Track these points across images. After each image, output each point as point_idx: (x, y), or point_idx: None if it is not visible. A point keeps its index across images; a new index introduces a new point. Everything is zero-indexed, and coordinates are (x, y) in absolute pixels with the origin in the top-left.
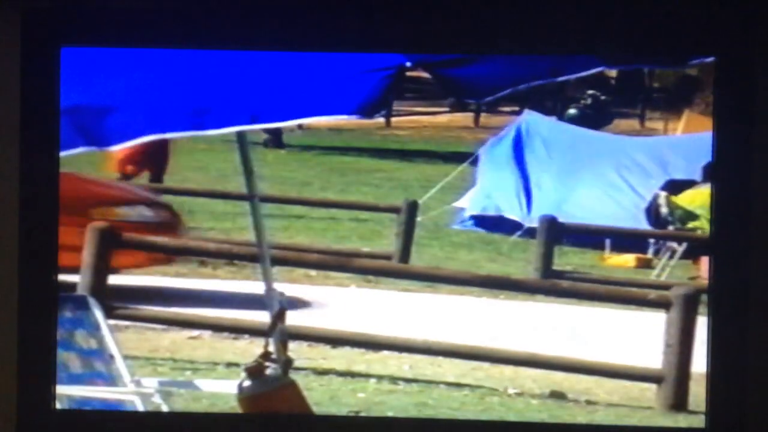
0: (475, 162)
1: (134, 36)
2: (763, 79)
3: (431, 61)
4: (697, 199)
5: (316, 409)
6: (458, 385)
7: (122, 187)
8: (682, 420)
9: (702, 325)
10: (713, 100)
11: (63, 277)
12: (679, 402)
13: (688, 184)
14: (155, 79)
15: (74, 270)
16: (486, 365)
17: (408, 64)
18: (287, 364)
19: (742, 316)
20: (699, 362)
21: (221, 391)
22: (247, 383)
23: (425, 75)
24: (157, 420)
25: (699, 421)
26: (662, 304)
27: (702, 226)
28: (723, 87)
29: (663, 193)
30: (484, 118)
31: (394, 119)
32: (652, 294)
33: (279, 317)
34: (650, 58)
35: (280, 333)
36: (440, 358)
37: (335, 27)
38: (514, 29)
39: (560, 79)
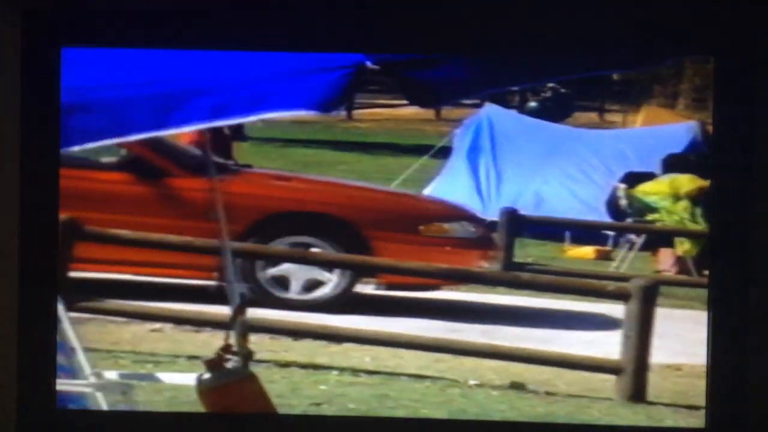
0: (438, 154)
1: (134, 36)
2: (763, 79)
3: (394, 61)
4: (656, 190)
5: (278, 402)
6: (419, 377)
7: (443, 202)
8: (640, 410)
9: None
10: (713, 99)
11: None
12: (637, 392)
13: (647, 176)
14: (118, 78)
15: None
16: (447, 357)
17: (368, 63)
18: (247, 356)
19: (742, 316)
20: (657, 353)
21: (183, 383)
22: (206, 376)
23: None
24: (158, 420)
25: (658, 412)
26: (621, 296)
27: (661, 218)
28: (723, 87)
29: (622, 186)
30: (446, 110)
31: (356, 112)
32: (611, 286)
33: (240, 310)
34: (649, 58)
35: (241, 326)
36: (402, 350)
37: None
38: (508, 29)
39: (540, 83)
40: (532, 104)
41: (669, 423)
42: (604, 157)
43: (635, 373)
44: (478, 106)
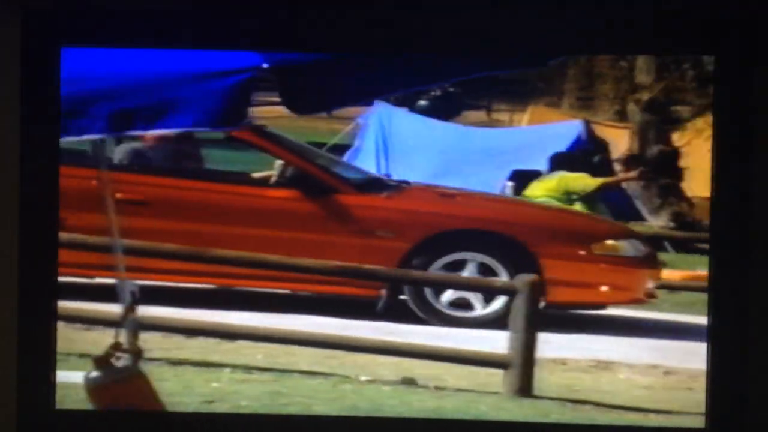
0: (331, 152)
1: (134, 36)
2: (763, 79)
3: (288, 65)
4: (543, 189)
5: (170, 400)
6: (312, 374)
7: (608, 220)
8: (526, 404)
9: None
10: (713, 99)
11: None
12: (523, 387)
13: (534, 174)
14: None
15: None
16: (340, 353)
17: (265, 65)
18: (137, 354)
19: (742, 316)
20: (543, 348)
21: (73, 381)
22: (94, 373)
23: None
24: (158, 420)
25: (544, 406)
26: (508, 291)
27: None
28: (723, 86)
29: (510, 184)
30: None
31: (250, 109)
32: (499, 281)
33: (130, 308)
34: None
35: (131, 323)
36: (294, 347)
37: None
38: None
39: (443, 83)
40: (422, 103)
41: (554, 417)
42: (492, 156)
43: (522, 367)
44: (370, 104)
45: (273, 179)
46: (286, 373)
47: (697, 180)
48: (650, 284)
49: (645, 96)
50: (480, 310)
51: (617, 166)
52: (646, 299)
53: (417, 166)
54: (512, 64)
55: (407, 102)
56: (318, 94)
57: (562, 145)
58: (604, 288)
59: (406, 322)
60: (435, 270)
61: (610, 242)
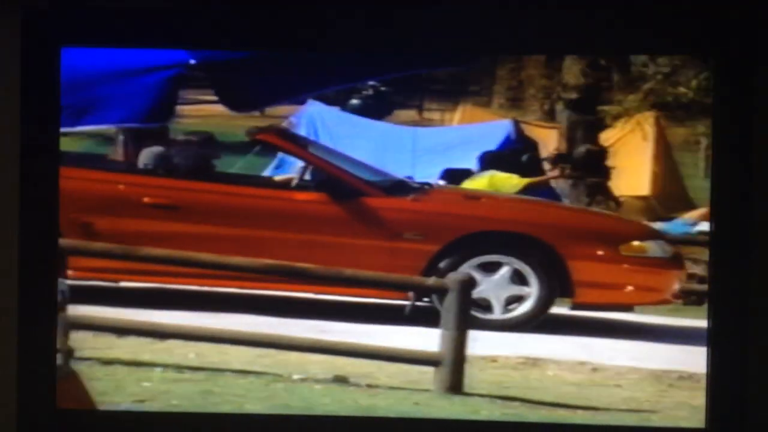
0: (264, 151)
1: (134, 36)
2: (763, 79)
3: (214, 61)
4: (474, 187)
5: (101, 399)
6: (244, 372)
7: (633, 221)
8: (457, 401)
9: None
10: (712, 99)
11: None
12: (455, 384)
13: (465, 173)
14: None
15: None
16: (273, 352)
17: (192, 61)
18: (68, 354)
19: (742, 316)
20: (473, 345)
21: None
22: None
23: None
24: (158, 420)
25: (474, 403)
26: (439, 290)
27: None
28: (723, 87)
29: (441, 183)
30: (269, 107)
31: (179, 107)
32: (430, 280)
33: (60, 307)
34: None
35: (62, 323)
36: (227, 346)
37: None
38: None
39: (370, 82)
40: (354, 102)
41: (485, 413)
42: (423, 154)
43: (453, 364)
44: (302, 102)
45: (294, 182)
46: (218, 372)
47: (624, 179)
48: (677, 285)
49: (573, 96)
50: (498, 312)
51: (546, 165)
52: (673, 300)
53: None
54: (442, 62)
55: (339, 101)
56: (251, 91)
57: (492, 145)
58: (632, 289)
59: (427, 325)
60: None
61: (637, 243)
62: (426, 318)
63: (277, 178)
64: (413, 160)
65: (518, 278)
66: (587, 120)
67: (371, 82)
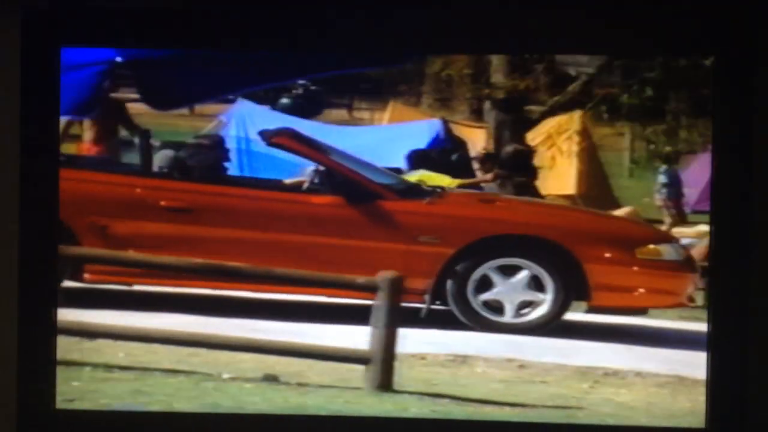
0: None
1: (134, 36)
2: (763, 79)
3: (139, 59)
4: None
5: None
6: (173, 371)
7: (645, 223)
8: (387, 398)
9: None
10: (712, 99)
11: None
12: (384, 382)
13: (395, 172)
14: None
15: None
16: (202, 351)
17: (119, 59)
18: None
19: (742, 317)
20: (402, 344)
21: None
22: None
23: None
24: (158, 420)
25: (403, 400)
26: (370, 288)
27: None
28: (723, 86)
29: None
30: (199, 105)
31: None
32: (361, 279)
33: None
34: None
35: None
36: (156, 345)
37: None
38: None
39: (298, 81)
40: (284, 101)
41: (414, 411)
42: (353, 154)
43: (383, 362)
44: (232, 101)
45: (305, 185)
46: (148, 372)
47: (550, 178)
48: (691, 288)
49: (500, 96)
50: (510, 316)
51: (475, 165)
52: (687, 303)
53: (280, 165)
54: (370, 62)
55: (269, 100)
56: (173, 89)
57: (421, 144)
58: (648, 292)
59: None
60: (477, 275)
61: (652, 246)
62: (361, 317)
63: (288, 181)
64: (343, 158)
65: (534, 281)
66: (514, 120)
67: (301, 82)
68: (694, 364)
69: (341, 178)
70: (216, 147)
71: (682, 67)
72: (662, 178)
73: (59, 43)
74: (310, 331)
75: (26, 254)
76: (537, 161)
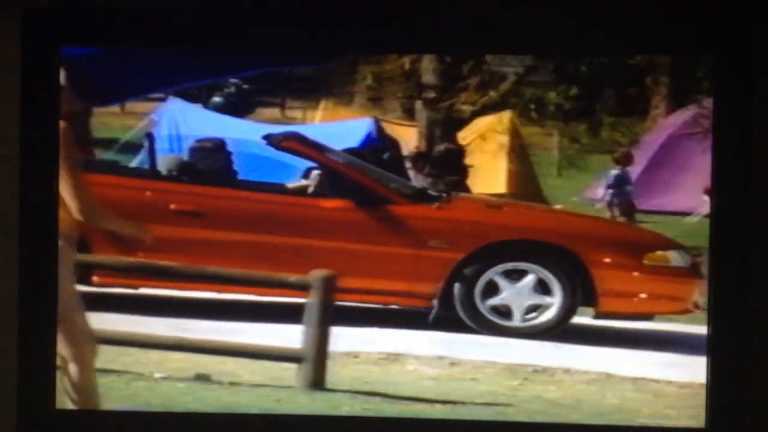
0: (126, 149)
1: (134, 36)
2: (763, 79)
3: (70, 55)
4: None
5: None
6: (104, 371)
7: (651, 230)
8: (319, 397)
9: None
10: (713, 99)
11: None
12: (317, 380)
13: None
14: None
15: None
16: (134, 350)
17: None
18: None
19: (742, 317)
20: (335, 342)
21: None
22: None
23: None
24: (158, 420)
25: (335, 399)
26: (302, 287)
27: None
28: (723, 87)
29: (304, 182)
30: (130, 104)
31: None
32: (293, 277)
33: None
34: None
35: None
36: None
37: None
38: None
39: (229, 79)
40: (216, 99)
41: (346, 409)
42: (286, 152)
43: (315, 361)
44: (163, 100)
45: (310, 189)
46: None
47: (481, 177)
48: (697, 294)
49: (431, 95)
50: (519, 320)
51: (407, 164)
52: (693, 309)
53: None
54: (302, 61)
55: (201, 99)
56: (105, 85)
57: (353, 143)
58: (655, 298)
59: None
60: (485, 279)
61: (660, 253)
62: (293, 315)
63: (290, 185)
64: (276, 158)
65: (541, 286)
66: (445, 119)
67: (233, 80)
68: (621, 361)
69: (350, 182)
70: (219, 150)
71: (610, 66)
72: (609, 179)
73: (59, 43)
74: (243, 329)
75: (26, 254)
76: (468, 160)
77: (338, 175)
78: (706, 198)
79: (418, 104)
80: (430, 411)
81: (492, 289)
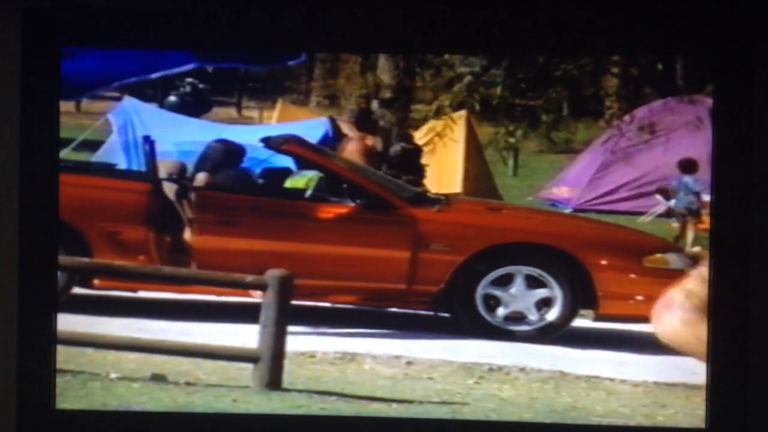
0: (83, 148)
1: (135, 36)
2: (763, 79)
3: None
4: (301, 186)
5: None
6: (60, 371)
7: (649, 233)
8: (275, 397)
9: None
10: (713, 99)
11: None
12: (273, 380)
13: (285, 172)
14: None
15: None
16: (89, 351)
17: None
18: None
19: (741, 317)
20: (292, 342)
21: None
22: None
23: None
24: (158, 420)
25: (291, 398)
26: (259, 286)
27: None
28: (723, 87)
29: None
30: (86, 103)
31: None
32: (250, 277)
33: None
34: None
35: None
36: None
37: None
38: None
39: (155, 75)
40: (172, 99)
41: (302, 409)
42: (244, 153)
43: (271, 361)
44: (118, 99)
45: (308, 193)
46: None
47: (437, 177)
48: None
49: (387, 95)
50: (518, 323)
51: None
52: None
53: (170, 164)
54: (257, 60)
55: (156, 98)
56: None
57: (311, 141)
58: (654, 301)
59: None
60: (485, 283)
61: (659, 255)
62: (249, 315)
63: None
64: (233, 158)
65: (541, 287)
66: (401, 119)
67: (189, 79)
68: (575, 359)
69: (349, 186)
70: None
71: (563, 66)
72: (675, 186)
73: (59, 42)
74: (198, 330)
75: (26, 254)
76: (424, 160)
77: (338, 178)
78: (660, 197)
79: (374, 104)
80: (386, 410)
81: (492, 293)
